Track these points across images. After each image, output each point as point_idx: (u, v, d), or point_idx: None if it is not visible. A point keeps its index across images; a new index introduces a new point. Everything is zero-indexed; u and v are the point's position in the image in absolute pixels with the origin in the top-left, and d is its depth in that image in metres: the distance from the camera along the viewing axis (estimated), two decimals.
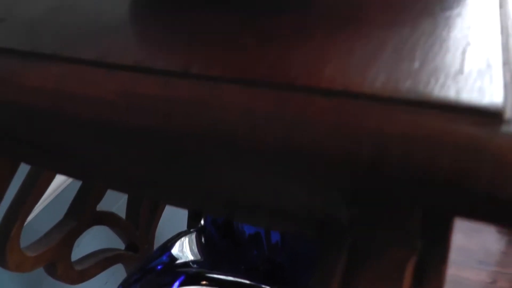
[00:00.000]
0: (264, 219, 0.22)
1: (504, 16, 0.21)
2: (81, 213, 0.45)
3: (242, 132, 0.16)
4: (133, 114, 0.18)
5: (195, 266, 0.45)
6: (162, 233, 0.63)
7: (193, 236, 0.47)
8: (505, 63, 0.17)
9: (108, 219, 0.50)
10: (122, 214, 0.57)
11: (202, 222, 0.51)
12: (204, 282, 0.41)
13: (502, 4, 0.22)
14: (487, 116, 0.14)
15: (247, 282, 0.42)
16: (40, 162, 0.28)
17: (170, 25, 0.22)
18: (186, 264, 0.45)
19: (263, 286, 0.42)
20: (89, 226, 0.48)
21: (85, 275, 0.49)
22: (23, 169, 0.37)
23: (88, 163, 0.24)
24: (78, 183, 0.46)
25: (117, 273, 0.61)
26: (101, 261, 0.52)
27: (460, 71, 0.16)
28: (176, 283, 0.40)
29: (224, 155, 0.17)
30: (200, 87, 0.17)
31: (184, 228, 0.52)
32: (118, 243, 0.58)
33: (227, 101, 0.17)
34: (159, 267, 0.44)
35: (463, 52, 0.18)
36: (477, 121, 0.14)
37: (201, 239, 0.48)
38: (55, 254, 0.44)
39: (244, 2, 0.23)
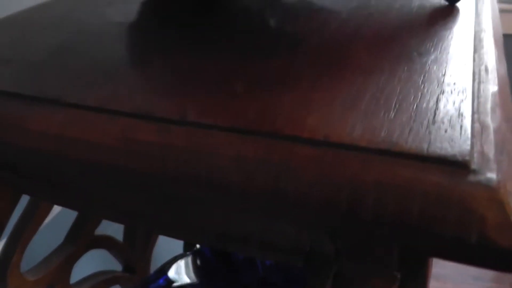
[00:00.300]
0: (255, 250, 0.24)
1: (478, 61, 0.23)
2: (79, 238, 0.47)
3: (233, 177, 0.18)
4: (132, 159, 0.19)
5: None
6: (158, 255, 0.64)
7: (189, 259, 0.48)
8: (475, 112, 0.19)
9: (105, 242, 0.52)
10: (119, 235, 0.58)
11: (198, 245, 0.52)
12: None
13: (476, 49, 0.24)
14: (454, 166, 0.16)
15: None
16: (41, 195, 0.29)
17: (167, 70, 0.24)
18: (182, 287, 0.46)
19: None
20: (87, 249, 0.49)
21: None
22: (24, 196, 0.39)
23: (87, 197, 0.25)
24: None
25: None
26: (99, 283, 0.53)
27: (433, 121, 0.18)
28: None
29: (216, 197, 0.19)
30: (195, 135, 0.19)
31: (180, 250, 0.53)
32: (115, 265, 0.59)
33: (220, 148, 0.18)
34: None
35: (437, 101, 0.19)
36: (445, 170, 0.16)
37: (197, 261, 0.49)
38: (55, 277, 0.45)
39: (236, 45, 0.25)
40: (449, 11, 0.29)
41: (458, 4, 0.31)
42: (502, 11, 1.67)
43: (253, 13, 0.32)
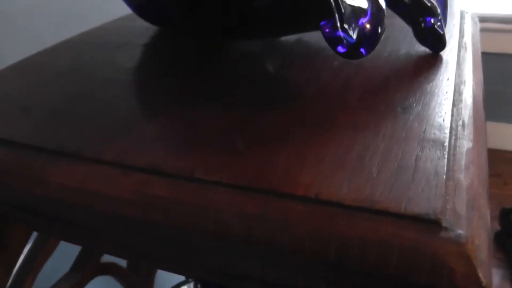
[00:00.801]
0: (256, 286, 0.26)
1: (456, 116, 0.26)
2: (86, 266, 0.49)
3: (236, 230, 0.21)
4: (145, 211, 0.22)
5: None
6: (161, 281, 0.66)
7: (191, 285, 0.51)
8: (449, 170, 0.22)
9: (111, 269, 0.54)
10: (123, 261, 0.60)
11: None
12: None
13: (455, 103, 0.27)
14: (428, 223, 0.19)
15: None
16: (52, 233, 0.32)
17: (175, 124, 0.27)
18: None
19: None
20: (93, 276, 0.52)
21: None
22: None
23: (96, 236, 0.28)
24: None
25: None
26: None
27: (411, 179, 0.21)
28: None
29: (219, 246, 0.22)
30: (202, 191, 0.22)
31: (183, 277, 0.55)
32: None
33: (224, 204, 0.21)
34: None
35: (416, 159, 0.22)
36: (420, 227, 0.19)
37: None
38: None
39: (237, 96, 0.28)
40: (433, 60, 0.32)
41: (442, 52, 0.34)
42: (499, 31, 1.71)
43: (253, 58, 0.35)
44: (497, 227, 1.49)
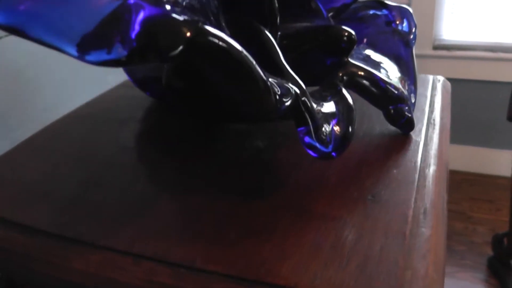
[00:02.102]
0: None
1: (419, 203, 0.31)
2: None
3: None
4: None
5: None
6: None
7: None
8: (407, 258, 0.27)
9: None
10: None
11: None
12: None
13: (419, 189, 0.32)
14: None
15: None
16: None
17: (176, 212, 0.32)
18: None
19: None
20: None
21: None
22: None
23: None
24: None
25: None
26: None
27: (375, 270, 0.26)
28: None
29: None
30: (201, 280, 0.27)
31: None
32: None
33: None
34: None
35: (380, 249, 0.27)
36: None
37: None
38: None
39: (229, 183, 0.33)
40: (402, 141, 0.38)
41: (412, 132, 0.39)
42: (482, 59, 1.78)
43: (243, 137, 0.40)
44: (490, 252, 1.54)
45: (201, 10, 0.20)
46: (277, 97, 0.22)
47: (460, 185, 2.06)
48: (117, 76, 0.87)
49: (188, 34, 0.17)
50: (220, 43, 0.18)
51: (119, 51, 0.16)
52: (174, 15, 0.17)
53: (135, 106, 0.48)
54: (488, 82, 1.83)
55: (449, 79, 1.61)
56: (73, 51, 0.17)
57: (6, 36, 0.68)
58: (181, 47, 0.17)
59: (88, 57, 0.17)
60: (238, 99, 0.23)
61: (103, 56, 0.17)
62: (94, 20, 0.16)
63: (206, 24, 0.18)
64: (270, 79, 0.24)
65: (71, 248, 0.30)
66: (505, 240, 1.45)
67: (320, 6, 0.39)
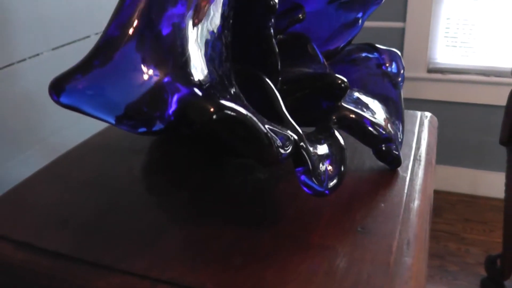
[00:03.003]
0: None
1: (404, 234, 0.36)
2: None
3: None
4: None
5: None
6: None
7: None
8: (391, 286, 0.31)
9: None
10: None
11: None
12: None
13: (403, 221, 0.37)
14: None
15: None
16: None
17: (186, 240, 0.36)
18: None
19: None
20: None
21: None
22: None
23: None
24: None
25: None
26: None
27: None
28: None
29: None
30: None
31: None
32: None
33: None
34: None
35: (368, 277, 0.31)
36: None
37: None
38: None
39: (234, 212, 0.37)
40: (390, 177, 0.42)
41: (399, 168, 0.44)
42: (476, 82, 1.84)
43: (247, 170, 0.45)
44: (484, 273, 1.58)
45: (220, 81, 0.25)
46: (279, 148, 0.27)
47: (454, 206, 2.11)
48: None
49: (212, 109, 0.22)
50: (233, 113, 0.23)
51: (157, 125, 0.21)
52: (201, 94, 0.22)
53: (145, 136, 0.52)
54: (481, 105, 1.88)
55: (443, 102, 1.66)
56: (112, 120, 0.21)
57: (18, 62, 0.73)
58: (207, 121, 0.22)
59: (125, 127, 0.21)
60: (245, 152, 0.27)
61: (141, 128, 0.21)
62: (135, 95, 0.21)
63: (223, 98, 0.22)
64: (271, 129, 0.29)
65: (92, 271, 0.34)
66: (498, 261, 1.49)
67: (317, 50, 0.44)
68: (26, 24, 0.73)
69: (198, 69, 0.23)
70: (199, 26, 0.24)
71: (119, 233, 0.37)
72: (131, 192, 0.43)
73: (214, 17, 0.25)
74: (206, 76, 0.23)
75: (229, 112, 0.22)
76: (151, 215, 0.39)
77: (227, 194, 0.41)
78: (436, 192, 2.28)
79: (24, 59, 0.74)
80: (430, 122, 0.54)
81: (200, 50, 0.24)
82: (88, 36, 0.85)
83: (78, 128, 0.83)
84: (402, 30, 1.88)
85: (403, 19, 1.87)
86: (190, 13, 0.23)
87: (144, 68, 0.21)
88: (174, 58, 0.22)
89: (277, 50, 0.37)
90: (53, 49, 0.79)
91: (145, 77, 0.21)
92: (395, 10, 1.87)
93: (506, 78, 1.78)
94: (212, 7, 0.25)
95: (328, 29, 0.49)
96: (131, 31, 0.21)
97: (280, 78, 0.38)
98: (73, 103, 0.21)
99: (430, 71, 1.92)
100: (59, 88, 0.20)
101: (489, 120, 1.88)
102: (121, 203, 0.41)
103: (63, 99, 0.21)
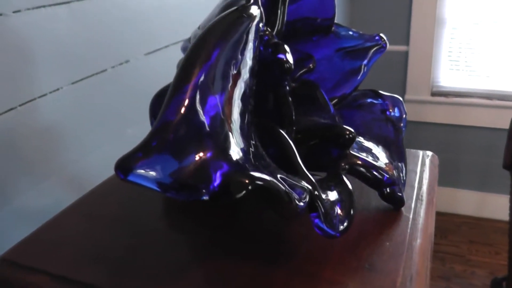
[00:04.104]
0: None
1: (407, 271, 0.40)
2: None
3: None
4: None
5: None
6: None
7: None
8: None
9: None
10: None
11: None
12: None
13: (406, 260, 0.41)
14: None
15: None
16: None
17: (207, 277, 0.40)
18: None
19: None
20: None
21: None
22: None
23: None
24: None
25: None
26: None
27: None
28: None
29: None
30: None
31: None
32: None
33: None
34: None
35: None
36: None
37: None
38: None
39: (248, 252, 0.42)
40: (394, 216, 0.47)
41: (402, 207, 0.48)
42: (479, 105, 1.89)
43: (260, 212, 0.49)
44: None
45: (248, 150, 0.29)
46: (297, 202, 0.31)
47: (460, 228, 2.15)
48: (135, 131, 0.97)
49: (247, 181, 0.26)
50: (261, 182, 0.28)
51: (202, 196, 0.26)
52: (238, 168, 0.26)
53: None
54: (485, 128, 1.93)
55: (447, 125, 1.71)
56: (165, 192, 0.26)
57: (39, 97, 0.78)
58: (244, 192, 0.26)
59: (171, 195, 0.26)
60: (269, 207, 0.32)
61: (186, 197, 0.26)
62: (184, 171, 0.25)
63: (252, 167, 0.27)
64: (289, 182, 0.33)
65: None
66: (504, 283, 1.52)
67: (326, 98, 0.49)
68: (47, 60, 0.78)
69: (234, 145, 0.28)
70: (233, 104, 0.28)
71: (146, 269, 0.42)
72: (156, 230, 0.47)
73: (243, 91, 0.30)
74: (240, 150, 0.28)
75: (259, 182, 0.27)
76: (174, 253, 0.44)
77: (243, 233, 0.46)
78: (442, 214, 2.33)
79: (45, 94, 0.79)
80: (431, 161, 0.58)
81: (234, 124, 0.28)
82: (105, 70, 0.90)
83: (92, 159, 0.88)
84: (406, 54, 1.94)
85: (407, 43, 1.93)
86: (226, 99, 0.28)
87: (192, 149, 0.26)
88: (216, 139, 0.27)
89: (291, 104, 0.42)
90: (73, 83, 0.84)
91: (193, 156, 0.26)
92: (398, 34, 1.93)
93: (509, 102, 1.83)
94: (242, 83, 0.29)
95: (335, 76, 0.54)
96: (181, 118, 0.26)
97: (294, 128, 0.43)
98: (135, 180, 0.26)
99: (434, 94, 1.97)
100: (124, 168, 0.25)
101: (493, 142, 1.93)
102: (146, 241, 0.46)
103: (129, 178, 0.25)
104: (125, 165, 0.25)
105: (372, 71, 0.55)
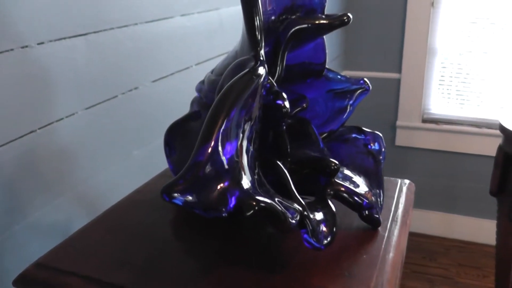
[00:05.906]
0: None
1: (380, 279, 0.51)
2: None
3: None
4: None
5: None
6: None
7: None
8: None
9: None
10: None
11: None
12: None
13: (380, 269, 0.52)
14: None
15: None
16: None
17: (218, 284, 0.51)
18: None
19: None
20: None
21: None
22: None
23: None
24: None
25: None
26: None
27: None
28: None
29: None
30: None
31: None
32: None
33: None
34: None
35: None
36: None
37: None
38: None
39: (250, 261, 0.52)
40: (371, 235, 0.57)
41: (379, 227, 0.59)
42: (468, 133, 2.01)
43: (260, 227, 0.60)
44: None
45: (252, 179, 0.40)
46: (290, 220, 0.42)
47: (449, 251, 2.25)
48: (140, 152, 1.07)
49: (254, 204, 0.37)
50: (264, 205, 0.38)
51: (222, 214, 0.36)
52: (248, 194, 0.37)
53: None
54: (473, 155, 2.05)
55: (437, 151, 1.83)
56: (190, 208, 0.37)
57: (56, 121, 0.88)
58: (252, 211, 0.37)
59: (200, 213, 0.36)
60: (268, 223, 0.42)
61: (210, 215, 0.36)
62: (209, 196, 0.36)
63: (257, 192, 0.38)
64: (284, 204, 0.44)
65: None
66: None
67: (317, 134, 0.60)
68: (65, 87, 0.88)
69: (244, 176, 0.38)
70: (243, 146, 0.39)
71: (166, 274, 0.52)
72: (171, 242, 0.58)
73: (251, 135, 0.40)
74: (249, 180, 0.39)
75: (262, 204, 0.38)
76: (189, 261, 0.54)
77: (245, 245, 0.56)
78: (431, 237, 2.44)
79: (62, 118, 0.89)
80: (408, 188, 0.69)
81: (243, 160, 0.39)
82: (115, 96, 1.00)
83: (101, 178, 0.98)
84: (398, 81, 2.07)
85: (399, 71, 2.05)
86: (239, 144, 0.38)
87: (214, 181, 0.37)
88: (232, 173, 0.38)
89: (287, 140, 0.53)
90: (87, 108, 0.94)
91: (215, 186, 0.37)
92: (391, 62, 2.06)
93: (496, 130, 1.95)
94: (250, 128, 0.40)
95: (325, 114, 0.65)
96: (207, 159, 0.36)
97: (289, 159, 0.54)
98: (176, 202, 0.36)
99: (424, 120, 2.09)
100: (169, 193, 0.36)
101: (481, 169, 2.04)
102: (164, 251, 0.56)
103: (174, 201, 0.36)
104: (169, 191, 0.36)
105: (365, 97, 0.66)
